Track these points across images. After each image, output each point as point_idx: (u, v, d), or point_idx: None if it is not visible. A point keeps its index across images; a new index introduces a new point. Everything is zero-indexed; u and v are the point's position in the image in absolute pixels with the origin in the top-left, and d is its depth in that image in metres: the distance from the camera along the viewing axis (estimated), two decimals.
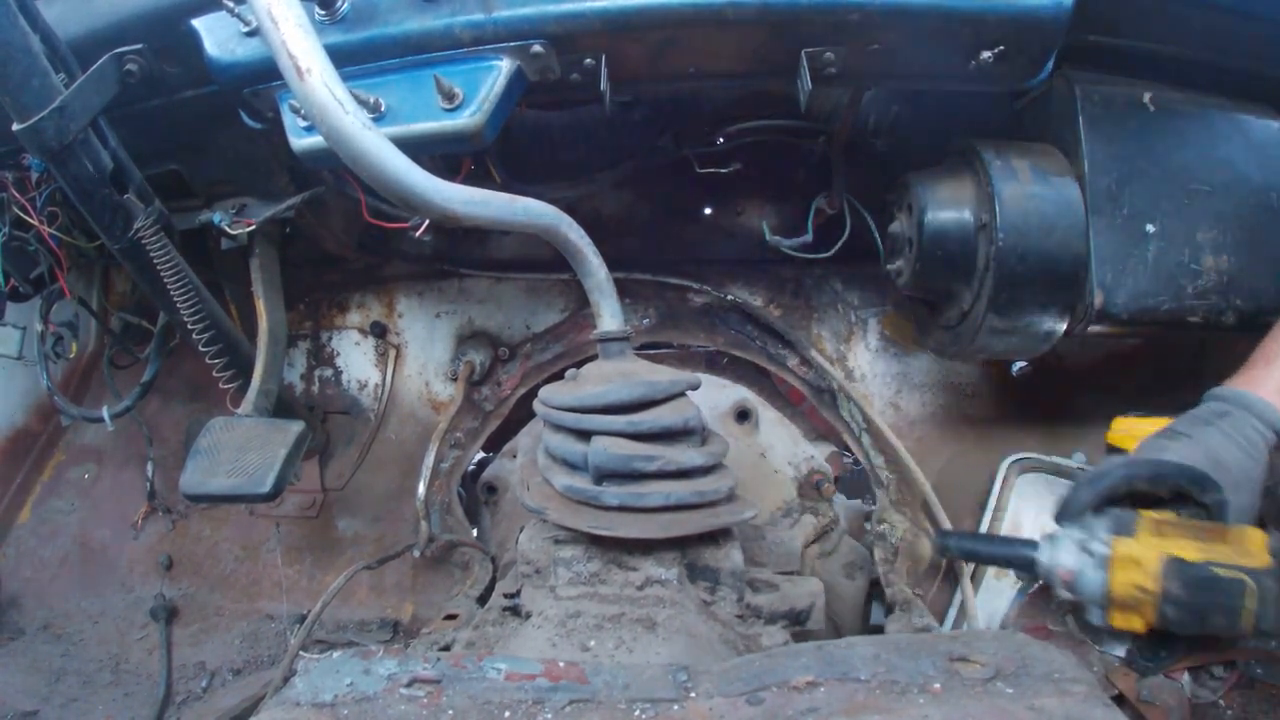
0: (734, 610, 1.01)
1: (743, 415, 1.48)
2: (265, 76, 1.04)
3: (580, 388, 1.03)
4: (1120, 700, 1.12)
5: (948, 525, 1.38)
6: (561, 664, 0.72)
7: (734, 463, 1.10)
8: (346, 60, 0.97)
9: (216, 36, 1.06)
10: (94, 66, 1.08)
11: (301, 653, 0.82)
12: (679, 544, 0.99)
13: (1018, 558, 1.07)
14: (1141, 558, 0.95)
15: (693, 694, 0.69)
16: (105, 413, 1.53)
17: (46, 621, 1.62)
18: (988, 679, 0.68)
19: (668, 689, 0.69)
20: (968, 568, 1.38)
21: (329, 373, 1.74)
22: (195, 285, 1.29)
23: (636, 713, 0.67)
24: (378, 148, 0.82)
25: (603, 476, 0.97)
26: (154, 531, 1.70)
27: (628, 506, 0.96)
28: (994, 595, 1.39)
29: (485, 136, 0.98)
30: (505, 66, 0.99)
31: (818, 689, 0.67)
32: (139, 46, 1.11)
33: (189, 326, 1.31)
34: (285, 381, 1.62)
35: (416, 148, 0.94)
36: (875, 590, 1.43)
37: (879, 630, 1.37)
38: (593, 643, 0.86)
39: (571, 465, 1.02)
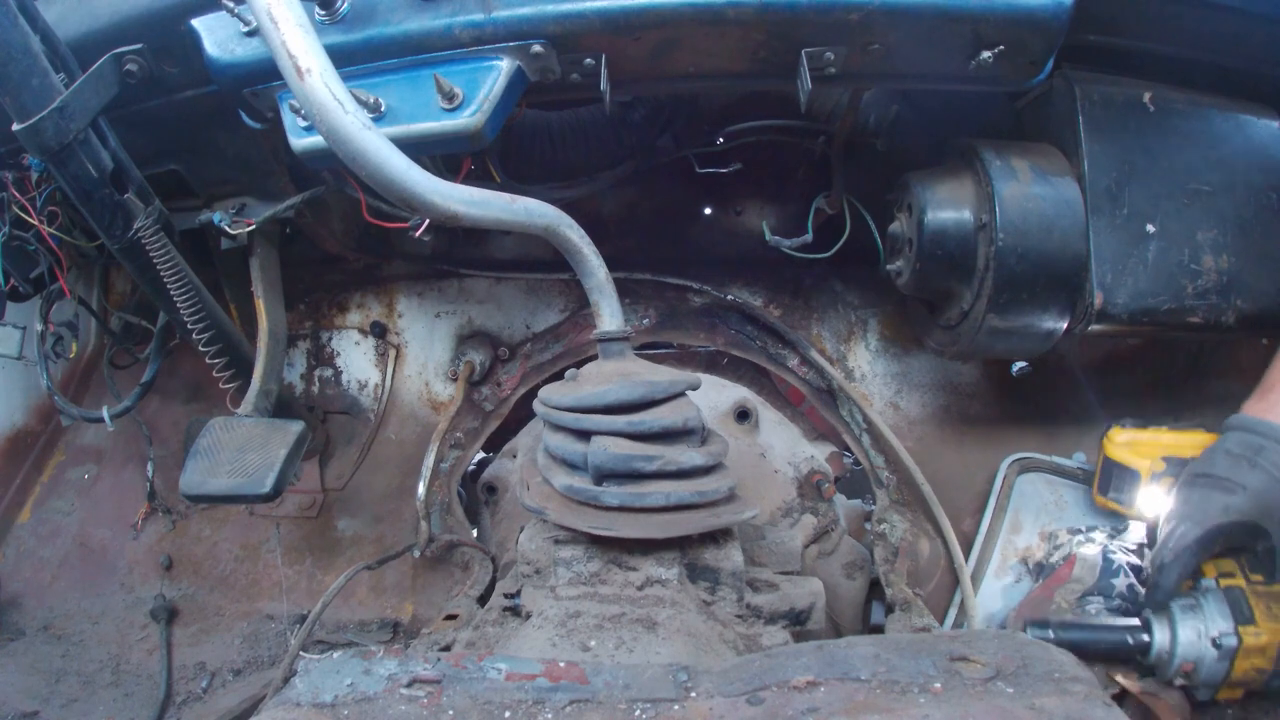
0: (734, 610, 1.01)
1: (743, 415, 1.48)
2: (265, 76, 1.04)
3: (580, 388, 1.03)
4: (1122, 697, 1.12)
5: (947, 526, 1.38)
6: (561, 664, 0.72)
7: (734, 463, 1.10)
8: (346, 60, 0.97)
9: (216, 36, 1.06)
10: (94, 66, 1.08)
11: (301, 653, 0.82)
12: (679, 544, 0.99)
13: (1130, 647, 1.08)
14: (1267, 646, 0.97)
15: (693, 694, 0.69)
16: (105, 413, 1.53)
17: (46, 622, 1.61)
18: (988, 679, 0.68)
19: (668, 689, 0.69)
20: (968, 567, 1.38)
21: (329, 373, 1.74)
22: (195, 285, 1.29)
23: (636, 713, 0.67)
24: (377, 147, 0.82)
25: (603, 476, 0.97)
26: (154, 531, 1.70)
27: (628, 506, 0.96)
28: (994, 595, 1.39)
29: (485, 136, 0.98)
30: (505, 66, 0.99)
31: (818, 689, 0.67)
32: (139, 46, 1.11)
33: (189, 326, 1.31)
34: (285, 381, 1.62)
35: (416, 148, 0.94)
36: (875, 590, 1.44)
37: (879, 630, 1.37)
38: (593, 643, 0.86)
39: (571, 465, 1.02)
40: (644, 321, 1.63)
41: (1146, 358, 1.52)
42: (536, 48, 0.99)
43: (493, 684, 0.70)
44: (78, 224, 1.34)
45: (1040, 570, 1.36)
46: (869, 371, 1.59)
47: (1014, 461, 1.44)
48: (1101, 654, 1.10)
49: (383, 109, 0.98)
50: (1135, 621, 1.09)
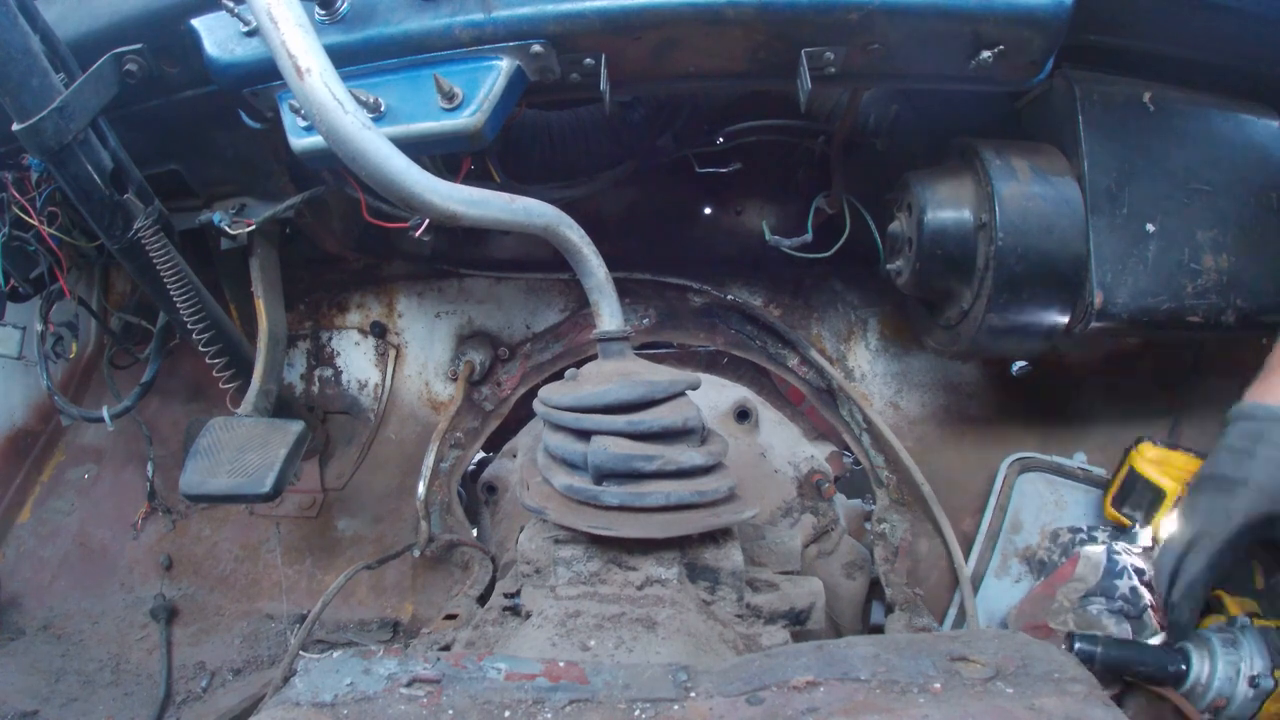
0: (734, 610, 1.01)
1: (743, 415, 1.48)
2: (265, 76, 1.04)
3: (580, 387, 1.02)
4: (1122, 697, 1.12)
5: (947, 526, 1.38)
6: (561, 664, 0.72)
7: (734, 463, 1.10)
8: (346, 60, 0.97)
9: (216, 36, 1.06)
10: (94, 66, 1.08)
11: (301, 653, 0.82)
12: (679, 544, 0.99)
13: (1168, 674, 1.07)
14: None
15: (693, 694, 0.69)
16: (105, 413, 1.53)
17: (46, 621, 1.61)
18: (988, 679, 0.68)
19: (668, 689, 0.69)
20: (968, 567, 1.38)
21: (329, 373, 1.74)
22: (195, 285, 1.29)
23: (636, 713, 0.67)
24: (377, 147, 0.82)
25: (602, 476, 0.97)
26: (154, 531, 1.70)
27: (628, 506, 0.96)
28: (994, 595, 1.39)
29: (485, 136, 0.98)
30: (505, 66, 0.99)
31: (818, 689, 0.67)
32: (138, 46, 1.11)
33: (189, 326, 1.31)
34: (285, 381, 1.62)
35: (416, 147, 0.94)
36: (875, 590, 1.44)
37: (879, 630, 1.37)
38: (593, 642, 0.86)
39: (571, 465, 1.02)
40: (644, 321, 1.63)
41: (1146, 357, 1.52)
42: (536, 48, 0.99)
43: (493, 684, 0.70)
44: (78, 224, 1.34)
45: (1042, 568, 1.36)
46: (869, 371, 1.59)
47: (1014, 461, 1.44)
48: (1141, 676, 1.09)
49: (382, 109, 0.98)
50: (1178, 650, 1.09)
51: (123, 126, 1.20)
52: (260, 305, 1.44)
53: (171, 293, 1.26)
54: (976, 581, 1.39)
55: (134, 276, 1.32)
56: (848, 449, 1.60)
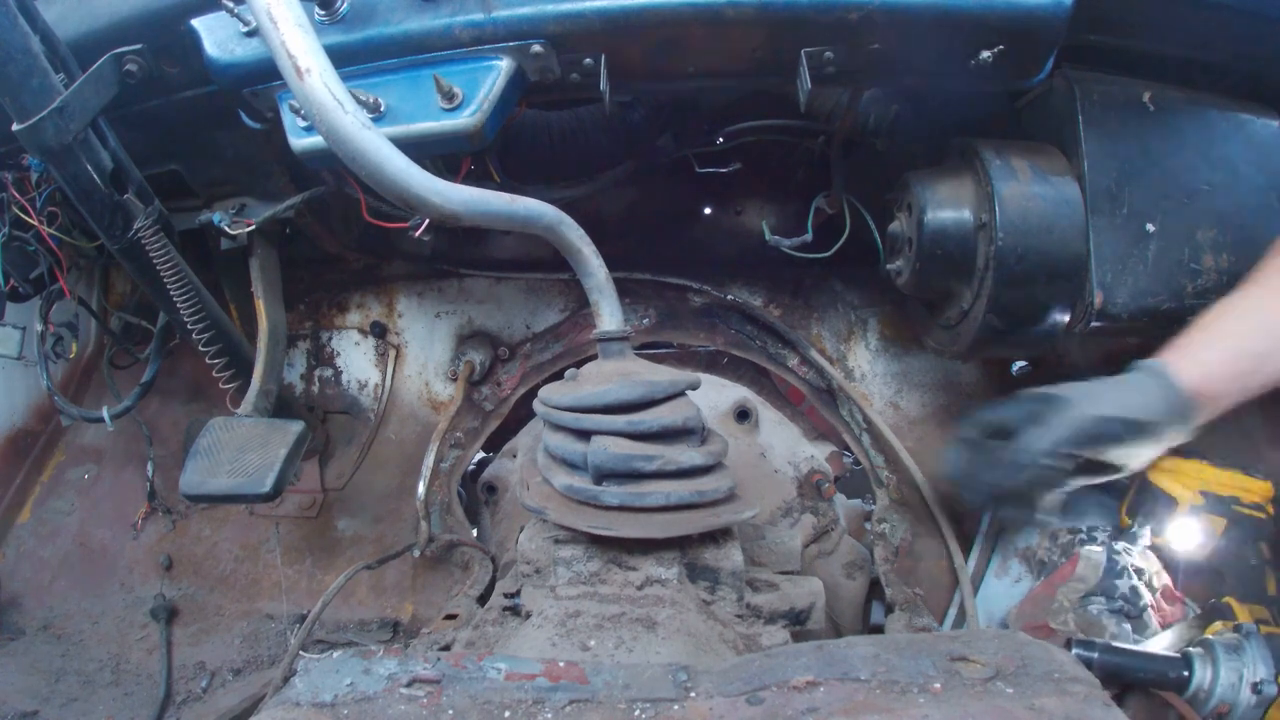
0: (734, 610, 1.01)
1: (743, 415, 1.48)
2: (265, 76, 1.04)
3: (580, 387, 1.02)
4: (1122, 697, 1.12)
5: (947, 526, 1.38)
6: (561, 664, 0.72)
7: (734, 463, 1.10)
8: (346, 60, 0.97)
9: (216, 36, 1.06)
10: (94, 66, 1.08)
11: (301, 653, 0.82)
12: (679, 544, 0.99)
13: (1169, 680, 1.08)
14: None
15: (693, 694, 0.69)
16: (105, 413, 1.53)
17: (46, 621, 1.61)
18: (988, 679, 0.68)
19: (668, 689, 0.69)
20: (968, 567, 1.38)
21: (329, 373, 1.74)
22: (195, 285, 1.29)
23: (636, 713, 0.67)
24: (377, 147, 0.82)
25: (602, 476, 0.97)
26: (154, 531, 1.70)
27: (628, 506, 0.96)
28: (994, 595, 1.39)
29: (485, 136, 0.98)
30: (505, 66, 0.99)
31: (818, 689, 0.67)
32: (138, 46, 1.11)
33: (189, 326, 1.31)
34: (285, 381, 1.62)
35: (416, 147, 0.94)
36: (875, 590, 1.43)
37: (879, 630, 1.37)
38: (593, 642, 0.86)
39: (571, 465, 1.02)
40: (644, 321, 1.63)
41: (1146, 357, 1.52)
42: (536, 48, 0.99)
43: (493, 684, 0.70)
44: (78, 224, 1.34)
45: (1042, 568, 1.36)
46: (869, 371, 1.59)
47: None
48: (1141, 683, 1.09)
49: (382, 109, 0.98)
50: (1178, 656, 1.09)
51: (123, 126, 1.20)
52: (260, 305, 1.44)
53: (171, 293, 1.26)
54: (976, 581, 1.38)
55: (134, 276, 1.31)
56: (848, 449, 1.59)
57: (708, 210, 1.69)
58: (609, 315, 1.07)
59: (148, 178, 1.24)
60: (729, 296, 1.59)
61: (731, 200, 1.66)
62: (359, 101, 0.88)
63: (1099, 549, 1.22)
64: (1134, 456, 1.09)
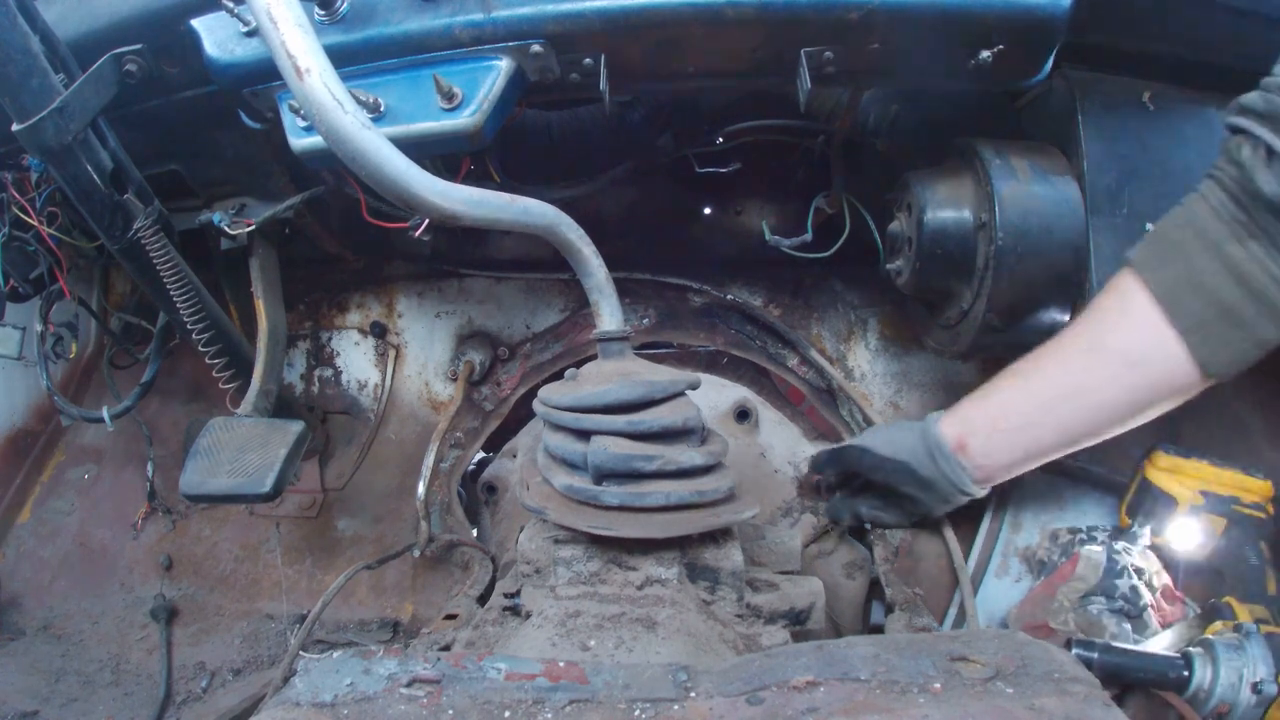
0: (734, 610, 1.01)
1: (743, 415, 1.48)
2: (265, 76, 1.04)
3: (580, 387, 1.02)
4: (1122, 697, 1.12)
5: (947, 525, 1.38)
6: (561, 664, 0.72)
7: (734, 463, 1.10)
8: (346, 60, 0.97)
9: (216, 36, 1.06)
10: (93, 67, 1.08)
11: (301, 653, 0.82)
12: (679, 544, 0.99)
13: (1169, 680, 1.08)
14: None
15: (693, 694, 0.69)
16: (105, 413, 1.53)
17: (46, 621, 1.61)
18: (988, 679, 0.68)
19: (668, 689, 0.69)
20: (968, 567, 1.38)
21: (329, 373, 1.74)
22: (195, 285, 1.29)
23: (636, 713, 0.67)
24: (377, 147, 0.82)
25: (602, 476, 0.97)
26: (154, 531, 1.70)
27: (628, 506, 0.96)
28: (994, 595, 1.39)
29: (485, 136, 0.98)
30: (504, 66, 0.99)
31: (818, 689, 0.67)
32: (138, 46, 1.11)
33: (189, 326, 1.31)
34: (285, 381, 1.62)
35: (416, 147, 0.94)
36: (875, 590, 1.43)
37: (879, 630, 1.37)
38: (593, 642, 0.86)
39: (571, 465, 1.02)
40: (644, 321, 1.63)
41: None
42: (536, 48, 0.99)
43: (493, 684, 0.70)
44: (78, 224, 1.34)
45: (1042, 568, 1.36)
46: (869, 371, 1.59)
47: None
48: (1141, 682, 1.09)
49: (382, 109, 0.98)
50: (1178, 656, 1.09)
51: (123, 126, 1.20)
52: (260, 305, 1.44)
53: (171, 293, 1.26)
54: (976, 581, 1.38)
55: (134, 276, 1.31)
56: None
57: (708, 210, 1.68)
58: (609, 315, 1.07)
59: (148, 178, 1.24)
60: (729, 296, 1.59)
61: (731, 200, 1.66)
62: (359, 101, 0.88)
63: (1099, 549, 1.22)
64: (916, 499, 1.24)
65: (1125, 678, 1.09)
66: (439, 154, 1.17)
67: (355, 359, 1.74)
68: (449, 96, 0.96)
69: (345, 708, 0.67)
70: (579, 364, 1.09)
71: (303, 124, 1.02)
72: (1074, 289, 1.17)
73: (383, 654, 0.73)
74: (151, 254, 1.22)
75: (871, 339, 1.61)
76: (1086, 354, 1.08)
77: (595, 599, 0.95)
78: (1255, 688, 1.02)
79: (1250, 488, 1.25)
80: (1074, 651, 1.07)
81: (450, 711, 0.67)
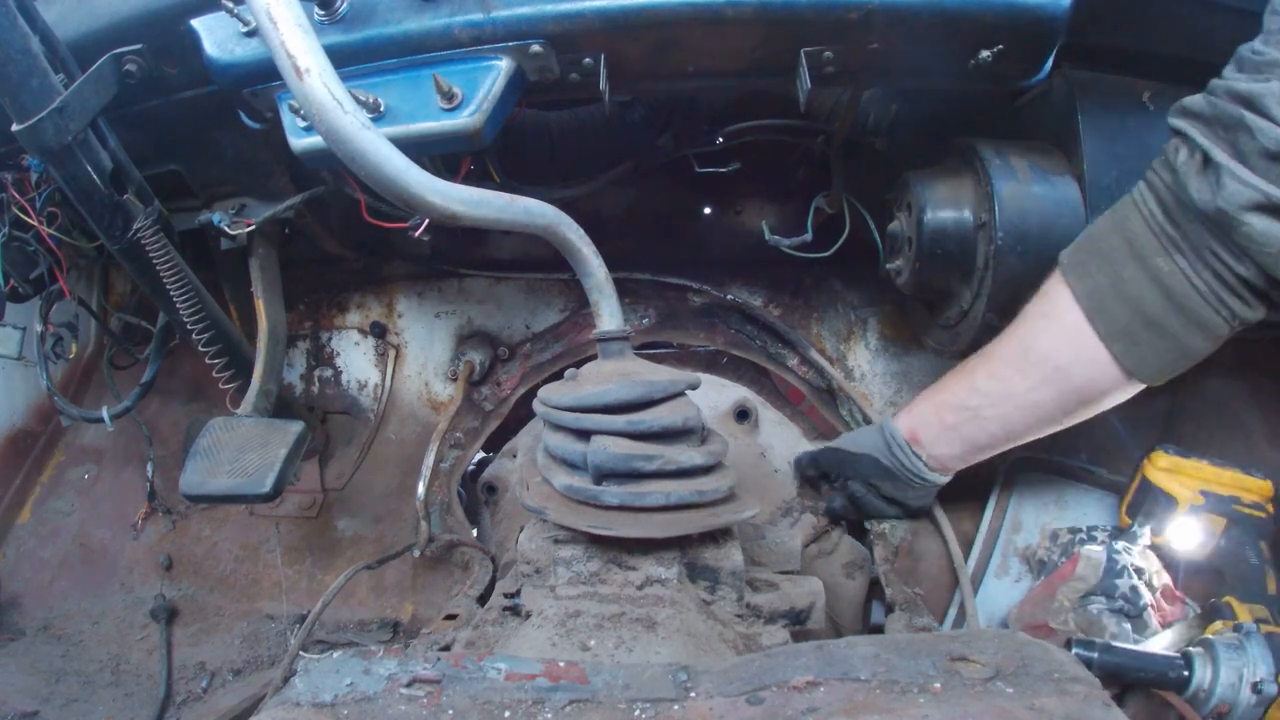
0: (734, 610, 1.01)
1: (743, 415, 1.48)
2: (264, 77, 1.04)
3: (580, 387, 1.02)
4: (1122, 697, 1.12)
5: (947, 526, 1.38)
6: (561, 664, 0.72)
7: (734, 463, 1.10)
8: (346, 60, 0.97)
9: (215, 37, 1.06)
10: (93, 67, 1.08)
11: (301, 653, 0.82)
12: (679, 543, 0.99)
13: (1169, 680, 1.08)
14: None
15: (693, 694, 0.69)
16: (105, 413, 1.53)
17: (46, 622, 1.61)
18: (988, 679, 0.68)
19: (668, 689, 0.69)
20: (968, 567, 1.38)
21: (329, 373, 1.74)
22: (195, 285, 1.29)
23: (636, 713, 0.67)
24: (376, 147, 0.82)
25: (602, 476, 0.97)
26: (154, 532, 1.70)
27: (628, 506, 0.96)
28: (994, 595, 1.39)
29: (484, 136, 0.98)
30: (504, 66, 0.99)
31: (818, 689, 0.67)
32: (138, 47, 1.11)
33: (189, 326, 1.31)
34: (285, 381, 1.62)
35: (416, 147, 0.94)
36: (875, 590, 1.43)
37: (879, 630, 1.37)
38: (593, 642, 0.86)
39: (571, 465, 1.02)
40: (644, 321, 1.63)
41: None
42: (535, 47, 0.99)
43: (493, 684, 0.70)
44: (78, 224, 1.34)
45: (1042, 568, 1.36)
46: (869, 371, 1.59)
47: (1014, 460, 1.44)
48: (1141, 682, 1.10)
49: (382, 109, 0.98)
50: (1178, 656, 1.09)
51: (123, 126, 1.20)
52: (260, 305, 1.44)
53: (171, 293, 1.26)
54: (976, 581, 1.38)
55: (134, 276, 1.31)
56: None
57: (708, 210, 1.68)
58: (609, 315, 1.06)
59: (148, 178, 1.24)
60: (729, 296, 1.59)
61: (731, 200, 1.66)
62: (358, 101, 0.88)
63: (1099, 549, 1.22)
64: (890, 491, 1.30)
65: (1125, 678, 1.09)
66: (439, 154, 1.17)
67: (355, 359, 1.74)
68: (449, 96, 0.96)
69: (345, 708, 0.67)
70: (579, 364, 1.09)
71: (303, 124, 1.02)
72: None
73: (383, 654, 0.73)
74: (151, 254, 1.22)
75: (871, 339, 1.61)
76: (1019, 358, 1.11)
77: (595, 599, 0.95)
78: (1255, 687, 1.02)
79: (1250, 487, 1.25)
80: (1074, 651, 1.07)
81: (450, 711, 0.67)
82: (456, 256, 1.69)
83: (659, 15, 0.97)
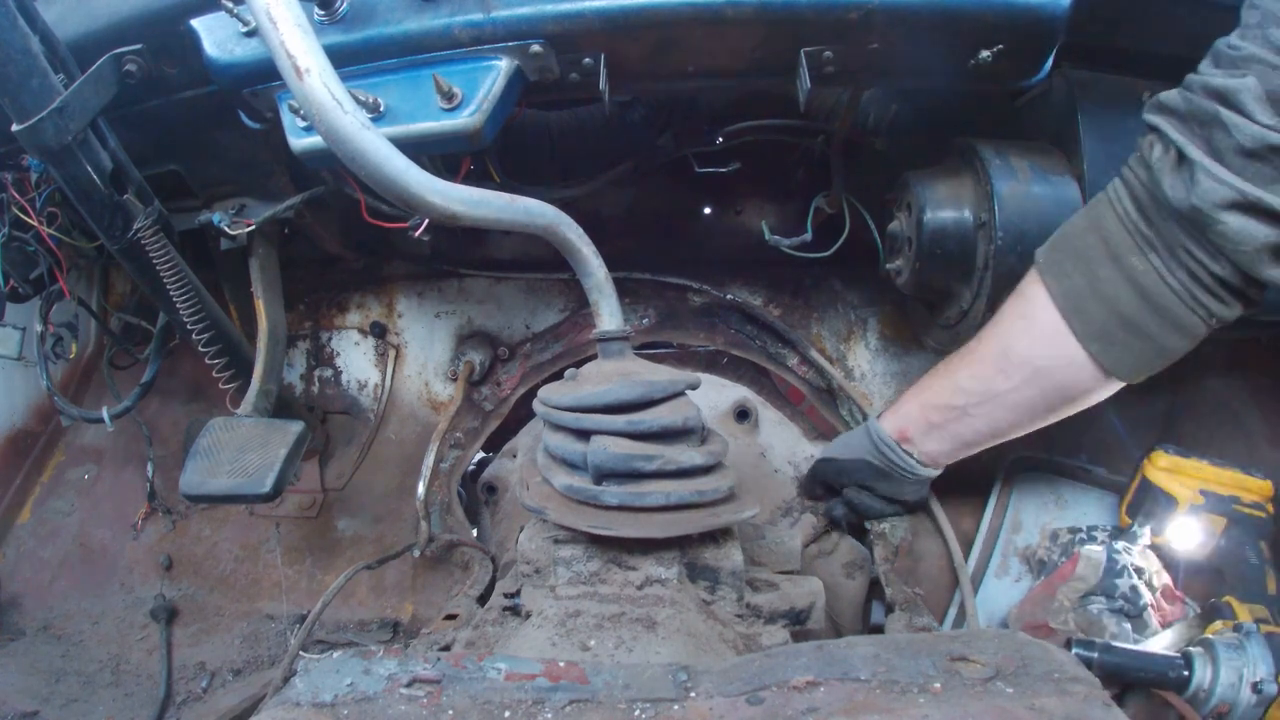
0: (734, 610, 1.01)
1: (743, 415, 1.48)
2: (264, 77, 1.04)
3: (580, 387, 1.02)
4: (1122, 697, 1.12)
5: (947, 525, 1.38)
6: (561, 664, 0.72)
7: (734, 463, 1.10)
8: (346, 60, 0.97)
9: (215, 37, 1.06)
10: (93, 67, 1.08)
11: (301, 653, 0.82)
12: (679, 543, 0.99)
13: (1169, 680, 1.08)
14: None
15: (693, 694, 0.69)
16: (105, 413, 1.53)
17: (46, 622, 1.61)
18: (988, 679, 0.68)
19: (668, 689, 0.69)
20: (968, 567, 1.38)
21: (329, 373, 1.74)
22: (195, 285, 1.29)
23: (636, 713, 0.67)
24: (376, 147, 0.82)
25: (602, 476, 0.97)
26: (154, 532, 1.70)
27: (627, 506, 0.96)
28: (994, 595, 1.39)
29: (484, 136, 0.98)
30: (504, 66, 0.99)
31: (818, 689, 0.67)
32: (138, 47, 1.11)
33: (189, 326, 1.31)
34: (285, 381, 1.62)
35: (416, 147, 0.94)
36: (875, 590, 1.43)
37: (879, 630, 1.37)
38: (593, 642, 0.86)
39: (571, 465, 1.02)
40: (644, 321, 1.63)
41: None
42: (535, 47, 0.99)
43: (493, 684, 0.70)
44: (78, 224, 1.34)
45: (1042, 568, 1.36)
46: (869, 371, 1.59)
47: (1014, 460, 1.44)
48: (1141, 682, 1.10)
49: (382, 109, 0.98)
50: (1178, 656, 1.09)
51: (123, 126, 1.20)
52: (260, 305, 1.44)
53: (171, 293, 1.26)
54: (976, 581, 1.38)
55: (134, 276, 1.31)
56: None
57: (708, 210, 1.68)
58: (609, 315, 1.06)
59: (148, 178, 1.24)
60: (729, 296, 1.59)
61: (731, 200, 1.66)
62: (358, 101, 0.88)
63: (1099, 549, 1.22)
64: (885, 489, 1.31)
65: (1125, 678, 1.09)
66: (439, 154, 1.17)
67: (355, 359, 1.74)
68: (449, 96, 0.96)
69: (345, 708, 0.67)
70: (579, 364, 1.09)
71: (302, 124, 1.02)
72: None
73: (383, 654, 0.73)
74: (151, 254, 1.22)
75: (871, 339, 1.61)
76: (999, 359, 1.11)
77: (595, 599, 0.95)
78: (1255, 687, 1.02)
79: (1250, 487, 1.25)
80: (1074, 651, 1.07)
81: (450, 711, 0.67)
82: (456, 256, 1.69)
83: (659, 15, 0.97)
